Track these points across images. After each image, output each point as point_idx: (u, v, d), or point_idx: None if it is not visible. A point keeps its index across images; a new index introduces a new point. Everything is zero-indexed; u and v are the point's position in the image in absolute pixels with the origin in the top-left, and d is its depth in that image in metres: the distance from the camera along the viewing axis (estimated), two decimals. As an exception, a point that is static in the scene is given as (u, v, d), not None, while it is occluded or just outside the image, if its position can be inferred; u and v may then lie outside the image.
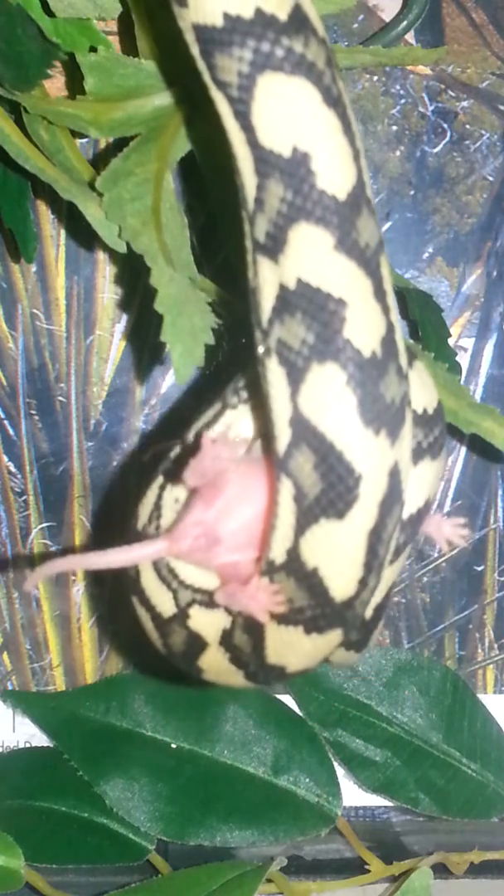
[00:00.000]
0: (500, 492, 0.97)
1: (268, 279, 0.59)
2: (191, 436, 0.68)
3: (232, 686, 0.70)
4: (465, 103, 0.93)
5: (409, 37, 0.92)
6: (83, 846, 0.90)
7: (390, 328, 0.59)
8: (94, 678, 0.97)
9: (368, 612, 0.68)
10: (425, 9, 0.89)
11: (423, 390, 0.68)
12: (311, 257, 0.58)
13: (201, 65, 0.59)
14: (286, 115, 0.57)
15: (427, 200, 0.94)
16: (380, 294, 0.59)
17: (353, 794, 0.95)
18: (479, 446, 0.90)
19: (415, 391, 0.67)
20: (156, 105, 0.75)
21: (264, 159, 0.58)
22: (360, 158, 0.58)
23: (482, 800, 0.93)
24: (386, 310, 0.59)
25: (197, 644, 0.69)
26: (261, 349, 0.61)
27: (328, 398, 0.59)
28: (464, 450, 0.96)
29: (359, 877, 0.92)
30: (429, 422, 0.69)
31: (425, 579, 0.97)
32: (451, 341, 0.85)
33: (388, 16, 0.91)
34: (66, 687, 0.97)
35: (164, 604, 0.69)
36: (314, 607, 0.63)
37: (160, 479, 0.69)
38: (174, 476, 0.68)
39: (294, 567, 0.62)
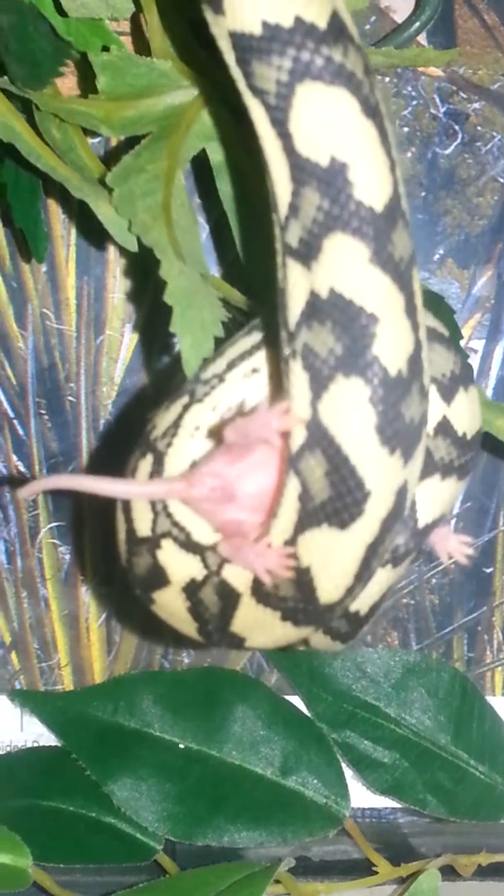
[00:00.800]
0: (509, 494, 0.97)
1: (298, 284, 0.60)
2: (223, 364, 0.68)
3: (176, 629, 0.71)
4: (476, 105, 0.93)
5: (422, 38, 0.92)
6: (91, 846, 0.90)
7: (418, 346, 0.60)
8: (103, 678, 0.97)
9: (364, 609, 0.69)
10: (437, 10, 0.89)
11: (468, 416, 0.69)
12: (345, 268, 0.58)
13: (236, 72, 0.59)
14: (325, 125, 0.57)
15: (438, 202, 0.94)
16: (411, 310, 0.59)
17: (362, 796, 0.95)
18: (490, 445, 0.90)
19: (461, 415, 0.69)
20: (168, 104, 0.75)
21: (301, 167, 0.58)
22: (397, 169, 0.59)
23: (490, 802, 0.93)
24: (415, 327, 0.60)
25: (159, 578, 0.69)
26: (286, 350, 0.61)
27: (349, 412, 0.59)
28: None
29: (366, 878, 0.92)
30: (464, 445, 0.70)
31: (434, 581, 0.97)
32: (461, 343, 0.85)
33: (400, 17, 0.91)
34: (74, 686, 0.97)
35: (142, 521, 0.69)
36: (298, 601, 0.64)
37: (185, 399, 0.68)
38: (201, 401, 0.68)
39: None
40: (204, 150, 0.76)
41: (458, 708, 0.94)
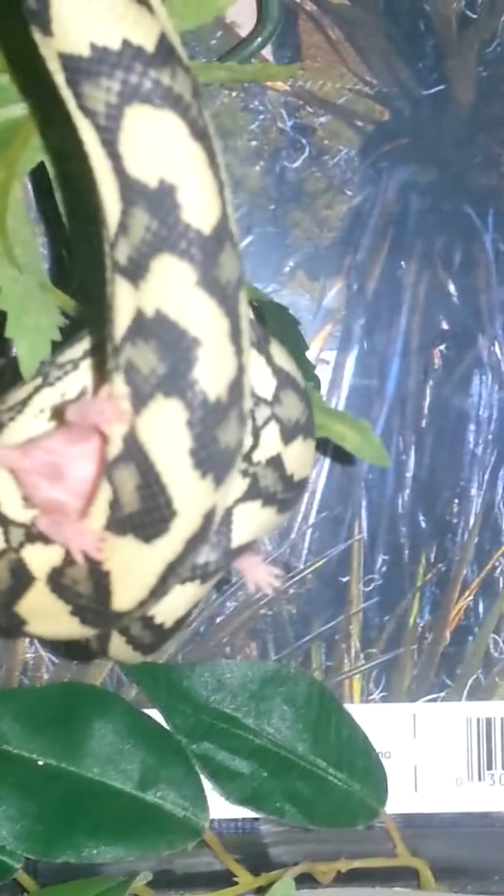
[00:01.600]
0: (363, 503, 0.98)
1: (125, 301, 0.60)
2: (80, 350, 0.69)
3: None
4: (322, 119, 0.94)
5: (270, 54, 0.93)
6: None
7: (240, 371, 0.60)
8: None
9: (168, 622, 0.70)
10: (278, 26, 0.90)
11: (300, 461, 0.71)
12: (171, 290, 0.58)
13: (66, 92, 0.59)
14: (154, 147, 0.57)
15: (287, 215, 0.95)
16: (235, 334, 0.60)
17: (222, 807, 0.95)
18: (342, 456, 0.91)
19: (294, 458, 0.71)
20: (6, 117, 0.75)
21: (130, 187, 0.58)
22: (225, 191, 0.59)
23: (348, 808, 0.94)
24: (239, 352, 0.60)
25: None
26: (111, 364, 0.61)
27: (165, 433, 0.60)
28: (328, 462, 0.97)
29: (227, 889, 0.92)
30: (290, 484, 0.71)
31: (291, 591, 0.98)
32: (313, 353, 0.86)
33: (245, 32, 0.92)
34: None
35: None
36: (91, 601, 0.65)
37: (38, 381, 0.69)
38: (52, 385, 0.69)
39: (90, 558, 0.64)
40: (44, 164, 0.76)
41: (316, 717, 0.95)
